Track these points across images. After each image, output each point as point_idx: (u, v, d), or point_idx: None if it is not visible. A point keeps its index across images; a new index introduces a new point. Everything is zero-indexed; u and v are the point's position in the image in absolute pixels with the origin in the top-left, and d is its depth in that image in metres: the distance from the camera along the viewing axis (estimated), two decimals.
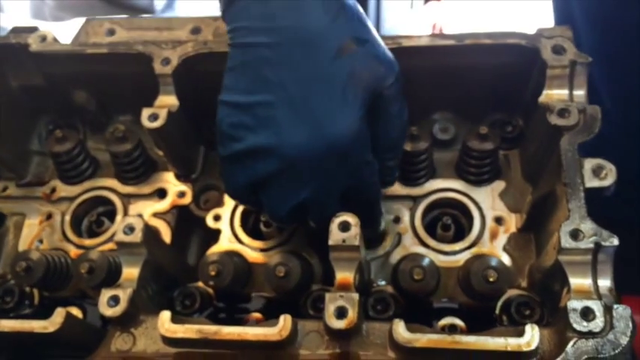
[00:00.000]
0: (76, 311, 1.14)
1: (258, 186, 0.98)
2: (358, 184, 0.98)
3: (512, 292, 1.07)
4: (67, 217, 1.25)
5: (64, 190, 1.28)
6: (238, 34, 0.95)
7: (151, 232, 1.02)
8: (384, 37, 1.10)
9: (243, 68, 0.95)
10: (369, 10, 2.97)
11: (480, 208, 1.16)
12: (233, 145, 0.96)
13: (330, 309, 0.90)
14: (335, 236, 0.94)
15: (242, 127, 0.94)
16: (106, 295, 0.96)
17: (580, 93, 1.05)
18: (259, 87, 0.93)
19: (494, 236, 1.13)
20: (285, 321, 0.90)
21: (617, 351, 0.83)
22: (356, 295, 0.90)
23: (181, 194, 1.25)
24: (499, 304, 1.07)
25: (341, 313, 0.89)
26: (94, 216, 1.26)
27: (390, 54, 0.97)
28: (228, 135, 0.96)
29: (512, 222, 1.14)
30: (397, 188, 1.19)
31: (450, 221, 1.13)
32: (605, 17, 1.63)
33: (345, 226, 0.94)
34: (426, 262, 1.07)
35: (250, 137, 0.94)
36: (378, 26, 3.05)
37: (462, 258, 1.11)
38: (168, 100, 1.14)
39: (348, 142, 0.91)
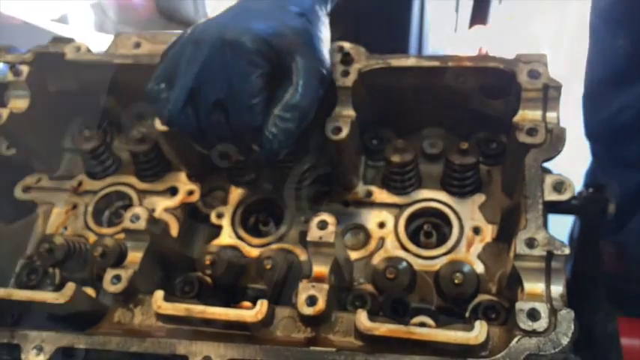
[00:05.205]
0: (90, 291, 1.28)
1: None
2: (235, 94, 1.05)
3: (482, 297, 1.15)
4: (90, 208, 1.39)
5: (89, 184, 1.43)
6: None
7: (154, 222, 1.15)
8: (373, 57, 1.22)
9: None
10: (412, 35, 2.90)
11: (459, 218, 1.24)
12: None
13: (302, 297, 1.00)
14: (313, 233, 1.05)
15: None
16: (110, 273, 1.09)
17: (553, 115, 1.12)
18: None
19: (470, 244, 1.21)
20: (261, 305, 1.01)
21: (557, 349, 0.90)
22: (326, 286, 1.01)
23: (190, 192, 1.37)
24: (470, 307, 1.15)
25: (312, 301, 1.00)
26: (113, 208, 1.40)
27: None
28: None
29: (489, 232, 1.22)
30: (384, 196, 1.28)
31: (430, 229, 1.22)
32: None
33: (323, 225, 1.05)
34: (401, 263, 1.16)
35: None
36: (420, 50, 3.02)
37: (438, 263, 1.20)
38: None
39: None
